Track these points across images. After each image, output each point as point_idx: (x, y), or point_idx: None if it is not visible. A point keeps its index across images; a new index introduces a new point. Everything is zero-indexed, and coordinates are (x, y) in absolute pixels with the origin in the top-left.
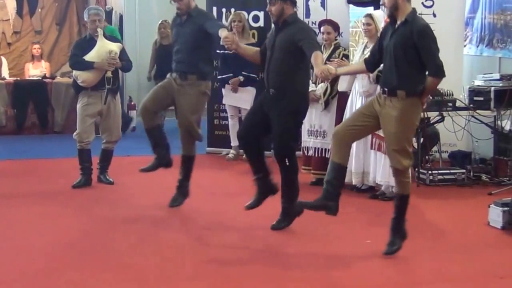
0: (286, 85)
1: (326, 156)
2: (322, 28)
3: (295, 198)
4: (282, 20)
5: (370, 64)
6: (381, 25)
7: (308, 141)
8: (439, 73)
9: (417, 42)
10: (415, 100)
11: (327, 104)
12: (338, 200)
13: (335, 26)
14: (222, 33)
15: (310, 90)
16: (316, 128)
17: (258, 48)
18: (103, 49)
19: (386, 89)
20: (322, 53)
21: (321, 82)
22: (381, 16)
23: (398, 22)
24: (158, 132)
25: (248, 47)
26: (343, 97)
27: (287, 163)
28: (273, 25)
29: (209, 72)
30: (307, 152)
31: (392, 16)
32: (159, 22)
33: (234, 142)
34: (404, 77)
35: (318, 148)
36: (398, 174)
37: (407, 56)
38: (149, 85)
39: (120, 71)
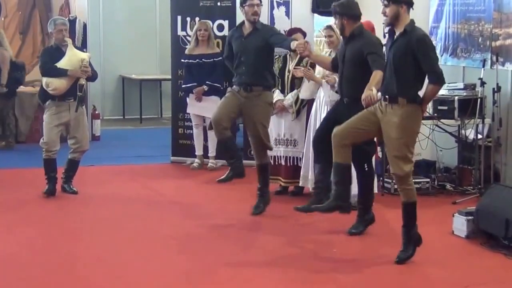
0: (358, 93)
1: (298, 164)
2: (292, 36)
3: (371, 203)
4: (349, 33)
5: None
6: None
7: (276, 150)
8: (439, 80)
9: (417, 51)
10: (416, 107)
11: (298, 113)
12: (349, 198)
13: (305, 35)
14: (294, 44)
15: (278, 99)
16: (286, 137)
17: (329, 58)
18: (75, 57)
19: (387, 96)
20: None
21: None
22: None
23: (397, 33)
24: (230, 144)
25: (321, 55)
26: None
27: (366, 168)
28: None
29: (273, 83)
30: (275, 161)
31: (392, 28)
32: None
33: (199, 151)
34: (405, 85)
35: (290, 157)
36: (400, 181)
37: (407, 65)
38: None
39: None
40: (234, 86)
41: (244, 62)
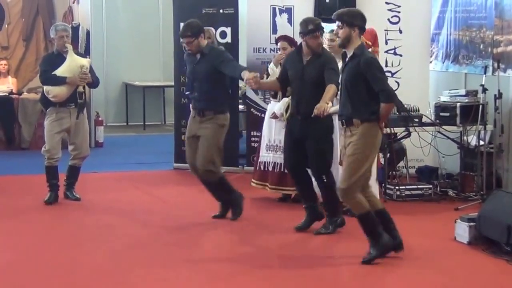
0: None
1: (285, 171)
2: (278, 44)
3: (339, 207)
4: (315, 54)
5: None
6: None
7: (266, 156)
8: (389, 99)
9: (365, 73)
10: (371, 124)
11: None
12: (396, 236)
13: (292, 42)
14: (245, 75)
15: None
16: (276, 143)
17: (275, 80)
18: (74, 64)
19: (343, 120)
20: None
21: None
22: None
23: (348, 56)
24: (219, 186)
25: (267, 81)
26: None
27: (325, 180)
28: (291, 56)
29: (227, 105)
30: (265, 167)
31: (344, 52)
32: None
33: None
34: (358, 106)
35: (277, 163)
36: (343, 195)
37: (358, 86)
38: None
39: (87, 87)
40: (192, 110)
41: (196, 87)
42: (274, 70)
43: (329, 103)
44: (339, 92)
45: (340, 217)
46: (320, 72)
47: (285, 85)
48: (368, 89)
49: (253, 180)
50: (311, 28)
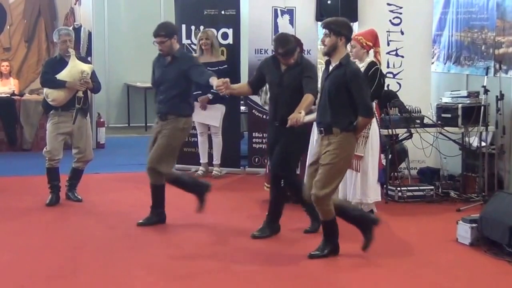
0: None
1: None
2: None
3: (280, 214)
4: (293, 63)
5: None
6: None
7: None
8: (369, 113)
9: (349, 84)
10: (349, 134)
11: None
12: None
13: (296, 42)
14: (213, 81)
15: None
16: None
17: (246, 84)
18: (75, 69)
19: (322, 128)
20: None
21: None
22: None
23: (333, 65)
24: (161, 193)
25: (238, 86)
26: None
27: (282, 184)
28: (267, 62)
29: (190, 110)
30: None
31: (328, 59)
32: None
33: (203, 159)
34: (338, 115)
35: None
36: (317, 202)
37: (341, 96)
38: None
39: (89, 92)
40: (157, 115)
41: (162, 91)
42: None
43: (303, 112)
44: (317, 101)
45: (278, 224)
46: (298, 79)
47: (257, 89)
48: (350, 99)
49: (265, 183)
50: (280, 52)
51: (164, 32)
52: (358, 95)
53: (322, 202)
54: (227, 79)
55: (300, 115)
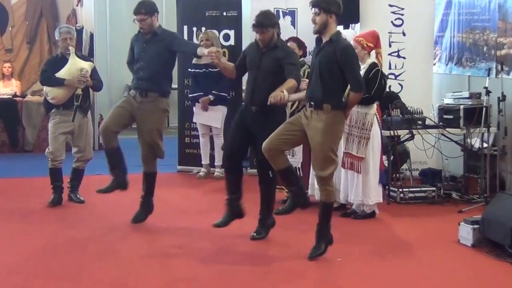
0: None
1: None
2: (288, 45)
3: (272, 208)
4: (272, 45)
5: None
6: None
7: None
8: (360, 88)
9: (340, 59)
10: (339, 113)
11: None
12: (305, 194)
13: (300, 44)
14: (203, 50)
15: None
16: None
17: (233, 64)
18: (74, 66)
19: (312, 103)
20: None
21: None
22: (349, 35)
23: (324, 41)
24: (117, 154)
25: (228, 63)
26: None
27: (270, 175)
28: (250, 45)
29: (169, 90)
30: None
31: (319, 36)
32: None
33: (205, 160)
34: (329, 92)
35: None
36: (322, 181)
37: (331, 72)
38: None
39: (90, 90)
40: (131, 91)
41: (142, 67)
42: None
43: (285, 92)
44: (304, 81)
45: (272, 218)
46: (276, 64)
47: (241, 72)
48: (341, 76)
49: None
50: (255, 21)
51: (145, 9)
52: (349, 69)
53: (327, 183)
54: (219, 49)
55: (282, 93)
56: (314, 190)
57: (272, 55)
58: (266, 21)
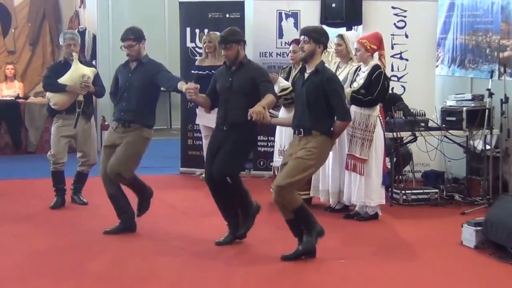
0: (240, 120)
1: None
2: (290, 47)
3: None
4: (237, 63)
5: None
6: (352, 46)
7: (278, 161)
8: (346, 117)
9: (326, 89)
10: (327, 138)
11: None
12: (317, 223)
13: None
14: (183, 86)
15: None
16: (285, 148)
17: (204, 95)
18: (76, 73)
19: (301, 130)
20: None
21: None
22: (353, 37)
23: (308, 72)
24: (121, 198)
25: (203, 96)
26: None
27: (230, 182)
28: (218, 71)
29: (153, 122)
30: (278, 171)
31: (304, 65)
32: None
33: None
34: (317, 119)
35: None
36: (278, 191)
37: (319, 101)
38: None
39: (93, 96)
40: (113, 122)
41: (126, 98)
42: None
43: (267, 112)
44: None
45: (254, 207)
46: (249, 84)
47: (215, 99)
48: (328, 104)
49: (271, 186)
50: (219, 41)
51: (133, 36)
52: (335, 99)
53: (284, 192)
54: (197, 86)
55: (264, 111)
56: (317, 192)
57: (242, 74)
58: (230, 37)
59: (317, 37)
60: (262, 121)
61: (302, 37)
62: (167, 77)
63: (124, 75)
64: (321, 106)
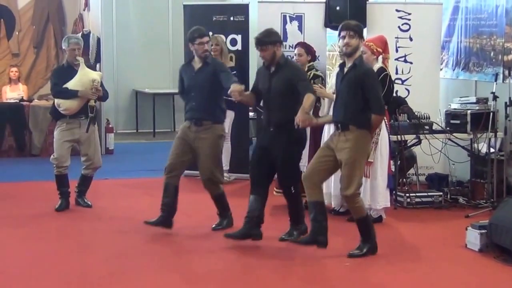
0: (285, 121)
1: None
2: (295, 50)
3: (303, 216)
4: (275, 63)
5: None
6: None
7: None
8: (381, 111)
9: (363, 83)
10: (365, 132)
11: None
12: (326, 233)
13: (308, 49)
14: (232, 86)
15: None
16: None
17: (251, 92)
18: (86, 77)
19: (339, 125)
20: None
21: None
22: None
23: (347, 66)
24: (174, 193)
25: (247, 94)
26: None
27: (293, 191)
28: (259, 70)
29: (223, 117)
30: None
31: (343, 61)
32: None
33: None
34: (354, 114)
35: None
36: (347, 200)
37: (356, 96)
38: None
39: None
40: (186, 121)
41: (194, 97)
42: None
43: (310, 114)
44: (329, 100)
45: (304, 225)
46: (286, 84)
47: (259, 96)
48: (365, 98)
49: (275, 189)
50: (256, 38)
51: (206, 34)
52: (371, 93)
53: (351, 200)
54: (243, 86)
55: (310, 117)
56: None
57: (280, 75)
58: (265, 39)
59: (360, 32)
60: (310, 126)
61: (346, 32)
62: (227, 77)
63: (188, 75)
64: (357, 100)
